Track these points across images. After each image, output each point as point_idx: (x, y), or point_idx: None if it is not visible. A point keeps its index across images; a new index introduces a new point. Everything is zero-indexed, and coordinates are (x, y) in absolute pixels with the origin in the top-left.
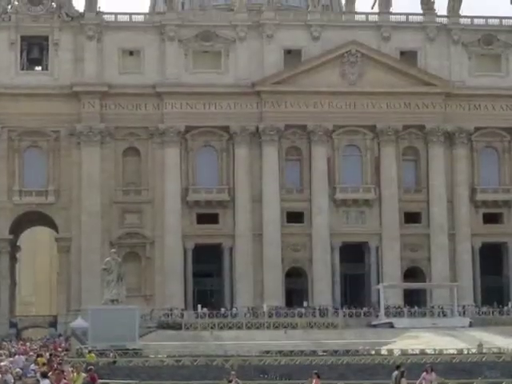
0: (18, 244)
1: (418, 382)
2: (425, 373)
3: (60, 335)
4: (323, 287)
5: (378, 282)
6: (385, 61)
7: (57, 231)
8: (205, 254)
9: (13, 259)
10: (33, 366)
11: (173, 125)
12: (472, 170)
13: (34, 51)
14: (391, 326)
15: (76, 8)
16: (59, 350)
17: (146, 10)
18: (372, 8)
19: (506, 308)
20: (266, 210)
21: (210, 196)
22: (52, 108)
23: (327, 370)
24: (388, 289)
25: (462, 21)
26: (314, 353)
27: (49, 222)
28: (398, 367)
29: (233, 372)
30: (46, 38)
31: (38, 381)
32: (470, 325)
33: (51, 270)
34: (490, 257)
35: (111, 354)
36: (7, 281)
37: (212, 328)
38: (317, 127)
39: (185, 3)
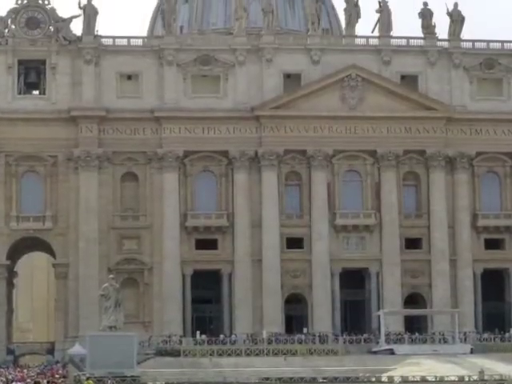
0: (15, 270)
1: None
2: None
3: (57, 362)
4: (323, 313)
5: (379, 309)
6: (385, 85)
7: (54, 257)
8: (204, 280)
9: (10, 285)
10: None
11: (171, 150)
12: (473, 196)
13: (32, 75)
14: (392, 352)
15: (74, 32)
16: (57, 376)
17: (145, 33)
18: (372, 32)
19: (507, 334)
20: (265, 235)
21: (209, 221)
22: (49, 133)
23: None
24: (388, 315)
25: (463, 45)
26: (314, 380)
27: (46, 248)
28: None
29: None
30: (44, 62)
31: None
32: (472, 351)
33: (49, 296)
34: (491, 283)
35: (109, 381)
36: (4, 307)
37: (211, 355)
38: (316, 152)
39: (183, 27)
